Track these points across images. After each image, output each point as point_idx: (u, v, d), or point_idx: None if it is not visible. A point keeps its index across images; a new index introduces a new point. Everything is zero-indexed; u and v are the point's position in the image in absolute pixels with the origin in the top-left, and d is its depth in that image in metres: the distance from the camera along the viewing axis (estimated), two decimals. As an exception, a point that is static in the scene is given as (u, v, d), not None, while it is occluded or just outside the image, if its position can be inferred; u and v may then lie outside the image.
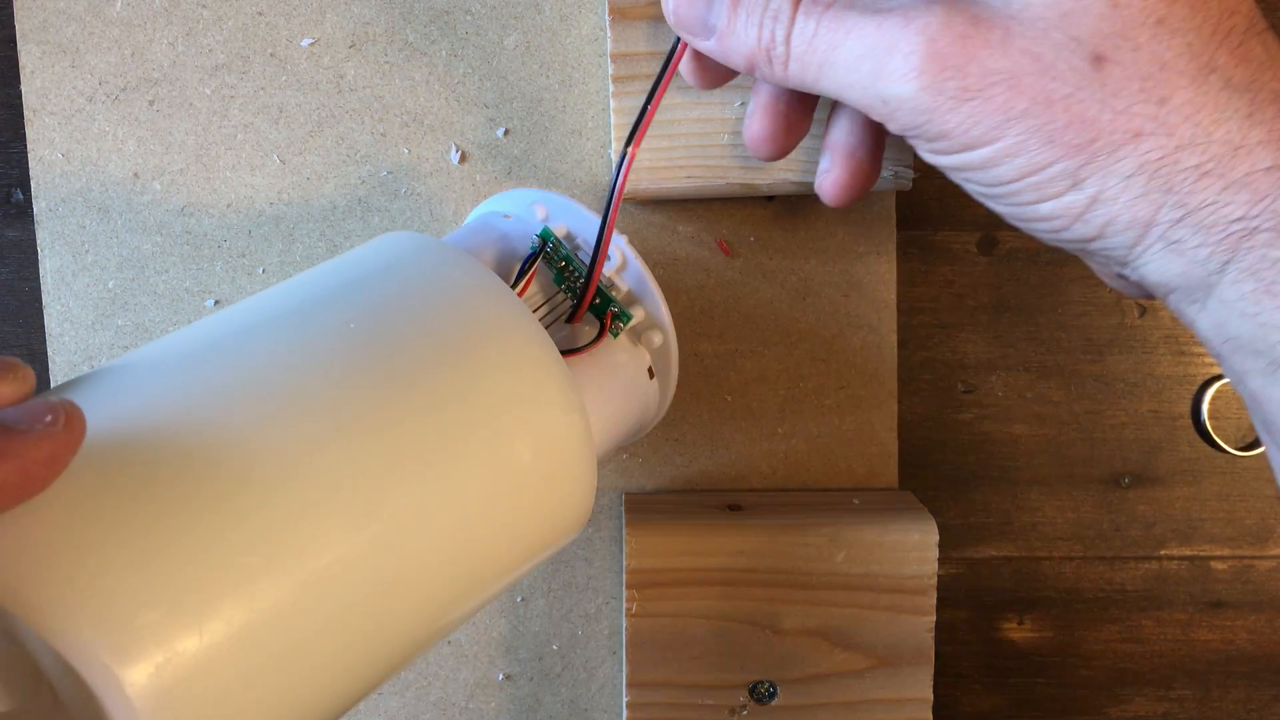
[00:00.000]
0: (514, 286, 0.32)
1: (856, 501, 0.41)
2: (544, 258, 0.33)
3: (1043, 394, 0.43)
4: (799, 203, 0.41)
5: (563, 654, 0.43)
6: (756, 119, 0.33)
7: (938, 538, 0.39)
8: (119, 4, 0.41)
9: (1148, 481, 0.44)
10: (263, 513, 0.22)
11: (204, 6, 0.41)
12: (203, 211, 0.41)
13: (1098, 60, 0.26)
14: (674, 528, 0.39)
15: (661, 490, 0.43)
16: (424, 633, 0.26)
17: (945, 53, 0.26)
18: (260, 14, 0.41)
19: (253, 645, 0.22)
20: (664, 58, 0.32)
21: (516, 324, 0.28)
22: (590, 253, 0.33)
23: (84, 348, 0.42)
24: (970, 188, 0.29)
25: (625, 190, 0.38)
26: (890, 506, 0.40)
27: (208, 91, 0.41)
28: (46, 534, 0.20)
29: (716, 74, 0.33)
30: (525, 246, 0.34)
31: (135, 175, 0.41)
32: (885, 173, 0.37)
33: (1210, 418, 0.43)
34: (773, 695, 0.40)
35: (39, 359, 0.42)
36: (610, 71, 0.37)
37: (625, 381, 0.34)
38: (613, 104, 0.37)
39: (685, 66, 0.33)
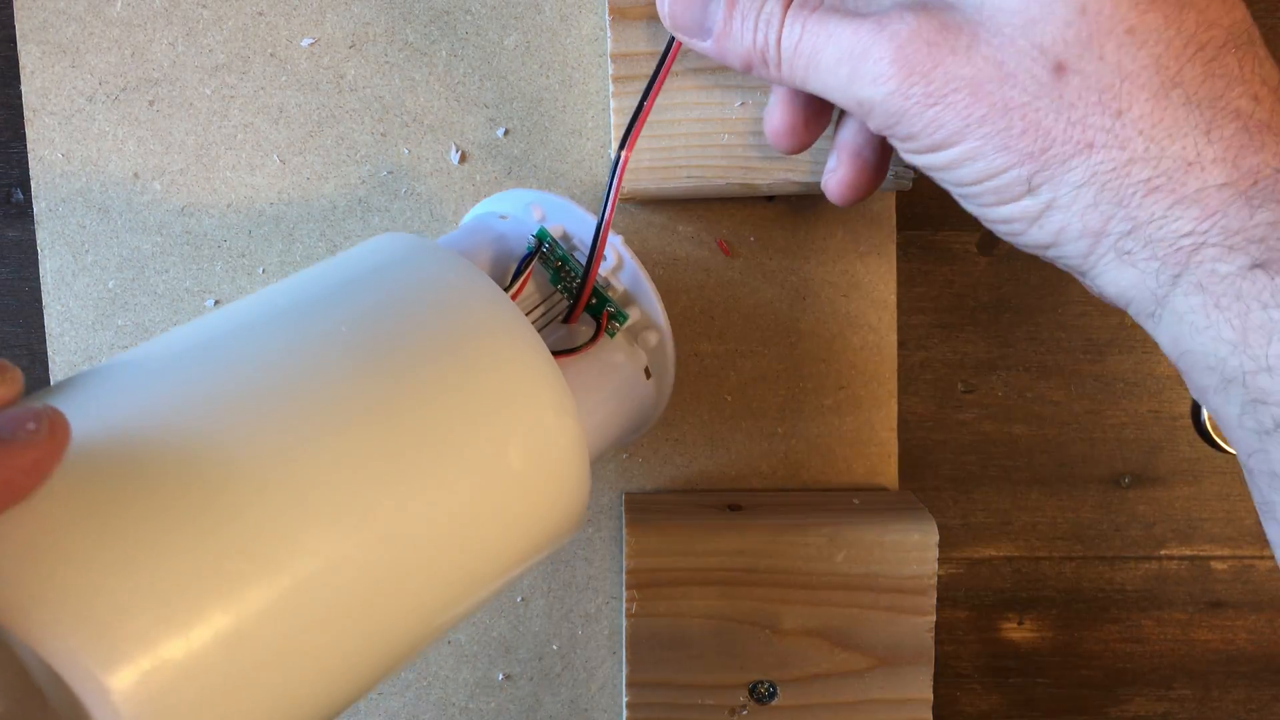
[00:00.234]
0: (510, 287, 0.32)
1: (856, 501, 0.41)
2: (540, 258, 0.33)
3: (1043, 394, 0.43)
4: (799, 203, 0.41)
5: (563, 654, 0.43)
6: (777, 112, 0.33)
7: (938, 538, 0.39)
8: (119, 4, 0.41)
9: (1148, 481, 0.44)
10: (250, 517, 0.22)
11: (204, 6, 0.41)
12: (203, 211, 0.41)
13: (1058, 69, 0.26)
14: (674, 528, 0.39)
15: (661, 490, 0.43)
16: (414, 636, 0.26)
17: (913, 59, 0.27)
18: (260, 14, 0.41)
19: (240, 650, 0.22)
20: (659, 57, 0.32)
21: (508, 327, 0.28)
22: (586, 253, 0.33)
23: (84, 348, 0.42)
24: (945, 186, 0.30)
25: (625, 190, 0.38)
26: (890, 506, 0.40)
27: (208, 91, 0.41)
28: (31, 540, 0.20)
29: (797, 141, 0.34)
30: (522, 247, 0.34)
31: (135, 175, 0.41)
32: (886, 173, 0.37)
33: (1210, 418, 0.43)
34: (773, 695, 0.40)
35: (39, 359, 0.42)
36: (610, 71, 0.37)
37: (621, 382, 0.34)
38: (613, 104, 0.37)
39: (771, 130, 0.33)
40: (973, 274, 0.43)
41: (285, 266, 0.42)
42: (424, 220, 0.42)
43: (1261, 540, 0.44)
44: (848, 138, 0.33)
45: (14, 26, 0.41)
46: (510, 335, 0.28)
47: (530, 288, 0.33)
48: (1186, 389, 0.43)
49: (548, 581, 0.43)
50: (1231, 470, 0.44)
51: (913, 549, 0.39)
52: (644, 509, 0.41)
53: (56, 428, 0.21)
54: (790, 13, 0.29)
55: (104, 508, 0.21)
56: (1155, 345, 0.43)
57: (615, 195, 0.32)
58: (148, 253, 0.42)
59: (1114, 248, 0.27)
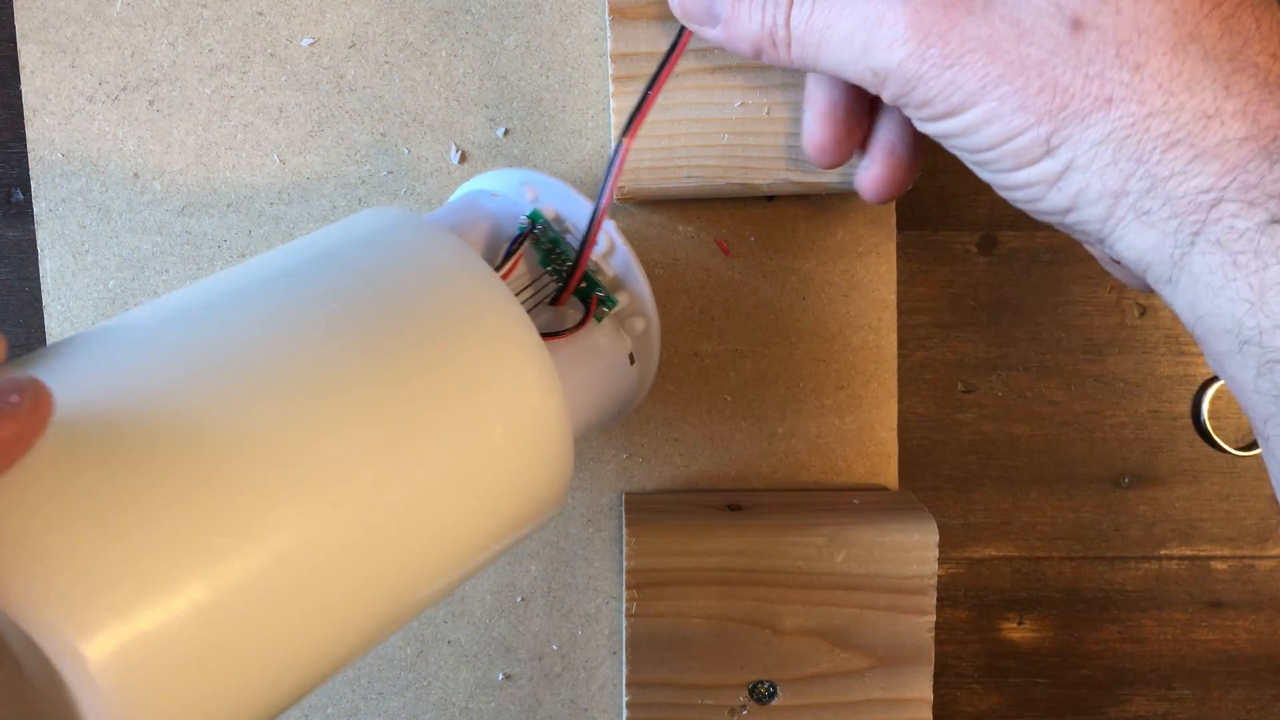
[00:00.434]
0: (500, 267, 0.32)
1: (856, 501, 0.41)
2: (532, 239, 0.33)
3: (1043, 394, 0.43)
4: (799, 203, 0.41)
5: (563, 654, 0.43)
6: (816, 129, 0.33)
7: (938, 538, 0.39)
8: (119, 4, 0.41)
9: (1148, 481, 0.44)
10: (230, 488, 0.22)
11: (204, 6, 0.41)
12: (203, 211, 0.41)
13: (1076, 25, 0.26)
14: (674, 528, 0.39)
15: (661, 490, 0.43)
16: (394, 610, 0.26)
17: (928, 21, 0.27)
18: (260, 14, 0.41)
19: (218, 621, 0.21)
20: (665, 50, 0.32)
21: (498, 307, 0.28)
22: (578, 236, 0.33)
23: (84, 348, 0.42)
24: (960, 155, 0.29)
25: (626, 191, 0.38)
26: (890, 506, 0.40)
27: (208, 91, 0.41)
28: (8, 509, 0.20)
29: (837, 156, 0.34)
30: (512, 226, 0.33)
31: (135, 175, 0.41)
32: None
33: (1210, 418, 0.43)
34: (773, 695, 0.40)
35: (39, 359, 0.42)
36: (610, 71, 0.37)
37: (605, 366, 0.34)
38: (613, 104, 0.37)
39: (811, 147, 0.33)
40: (973, 274, 0.43)
41: (285, 266, 0.42)
42: (424, 220, 0.42)
43: (1262, 540, 0.44)
44: (881, 134, 0.33)
45: (14, 26, 0.41)
46: (499, 315, 0.28)
47: (520, 268, 0.33)
48: (1186, 389, 0.43)
49: (548, 581, 0.43)
50: (1231, 470, 0.44)
51: (913, 549, 0.39)
52: (644, 509, 0.41)
53: (40, 400, 0.20)
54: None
55: (82, 478, 0.21)
56: (1155, 345, 0.43)
57: (615, 181, 0.32)
58: (148, 253, 0.42)
59: (1133, 208, 0.27)
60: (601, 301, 0.33)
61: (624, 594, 0.39)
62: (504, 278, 0.32)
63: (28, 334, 0.43)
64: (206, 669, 0.21)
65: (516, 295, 0.31)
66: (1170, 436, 0.43)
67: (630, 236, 0.41)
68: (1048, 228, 0.43)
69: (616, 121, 0.38)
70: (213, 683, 0.22)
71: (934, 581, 0.39)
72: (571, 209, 0.34)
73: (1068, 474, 0.44)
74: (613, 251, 0.34)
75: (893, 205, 0.42)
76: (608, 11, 0.37)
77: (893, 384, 0.42)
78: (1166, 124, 0.26)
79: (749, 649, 0.39)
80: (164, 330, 0.25)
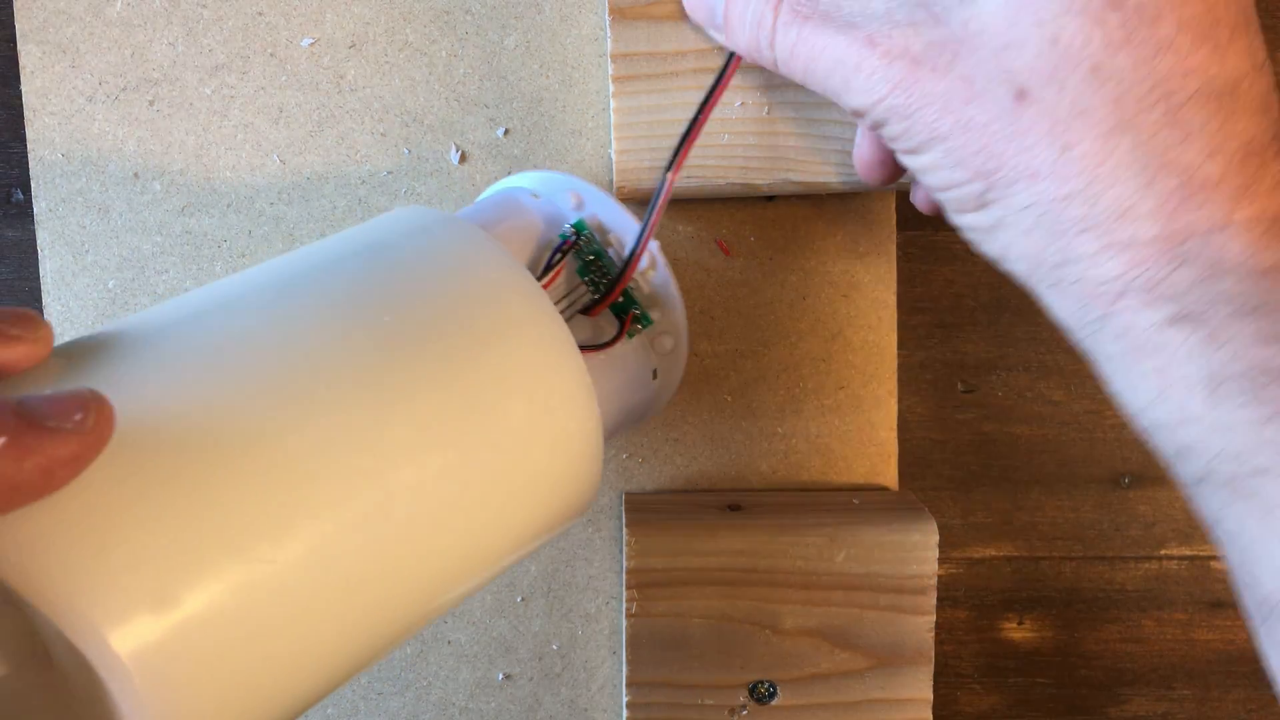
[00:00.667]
0: (542, 276, 0.32)
1: (856, 501, 0.41)
2: (574, 249, 0.33)
3: (1043, 394, 0.43)
4: (799, 203, 0.41)
5: (563, 654, 0.43)
6: (865, 146, 0.34)
7: (938, 538, 0.39)
8: (119, 4, 0.41)
9: (1148, 481, 0.44)
10: (264, 480, 0.22)
11: (204, 6, 0.41)
12: (203, 211, 0.41)
13: (1020, 95, 0.27)
14: (674, 528, 0.39)
15: (661, 490, 0.43)
16: (426, 606, 0.26)
17: (896, 75, 0.28)
18: (260, 14, 0.41)
19: (249, 613, 0.22)
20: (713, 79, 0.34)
21: (541, 321, 0.28)
22: (620, 250, 0.33)
23: (84, 348, 0.42)
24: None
25: (626, 191, 0.38)
26: (890, 506, 0.40)
27: (208, 91, 0.41)
28: (45, 502, 0.20)
29: (883, 174, 0.35)
30: (552, 231, 0.33)
31: (135, 175, 0.41)
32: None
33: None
34: (773, 695, 0.40)
35: (39, 359, 0.42)
36: (610, 71, 0.37)
37: (628, 379, 0.34)
38: (613, 104, 0.37)
39: (860, 164, 0.35)
40: (973, 274, 0.43)
41: (285, 266, 0.42)
42: (424, 220, 0.42)
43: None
44: None
45: (14, 26, 0.41)
46: (542, 331, 0.28)
47: (558, 277, 0.33)
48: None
49: (548, 581, 0.43)
50: (1231, 470, 0.44)
51: (913, 549, 0.39)
52: (644, 509, 0.41)
53: (102, 419, 0.20)
54: (785, 19, 0.30)
55: (118, 470, 0.21)
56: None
57: (662, 205, 0.33)
58: (148, 253, 0.42)
59: (1049, 276, 0.28)
60: (637, 319, 0.34)
61: (624, 594, 0.39)
62: (544, 287, 0.32)
63: (28, 334, 0.43)
64: (237, 656, 0.22)
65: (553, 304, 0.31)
66: (1170, 436, 0.43)
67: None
68: (1048, 228, 0.43)
69: (617, 121, 0.38)
70: (243, 671, 0.22)
71: (934, 581, 0.39)
72: (616, 222, 0.34)
73: (1068, 474, 0.44)
74: (653, 270, 0.34)
75: (892, 205, 0.42)
76: (608, 11, 0.37)
77: (893, 384, 0.42)
78: (1082, 209, 0.27)
79: (749, 649, 0.39)
80: (205, 330, 0.25)
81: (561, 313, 0.32)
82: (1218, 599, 0.44)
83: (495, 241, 0.29)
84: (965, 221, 0.30)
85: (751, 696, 0.40)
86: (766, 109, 0.37)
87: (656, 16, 0.37)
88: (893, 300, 0.42)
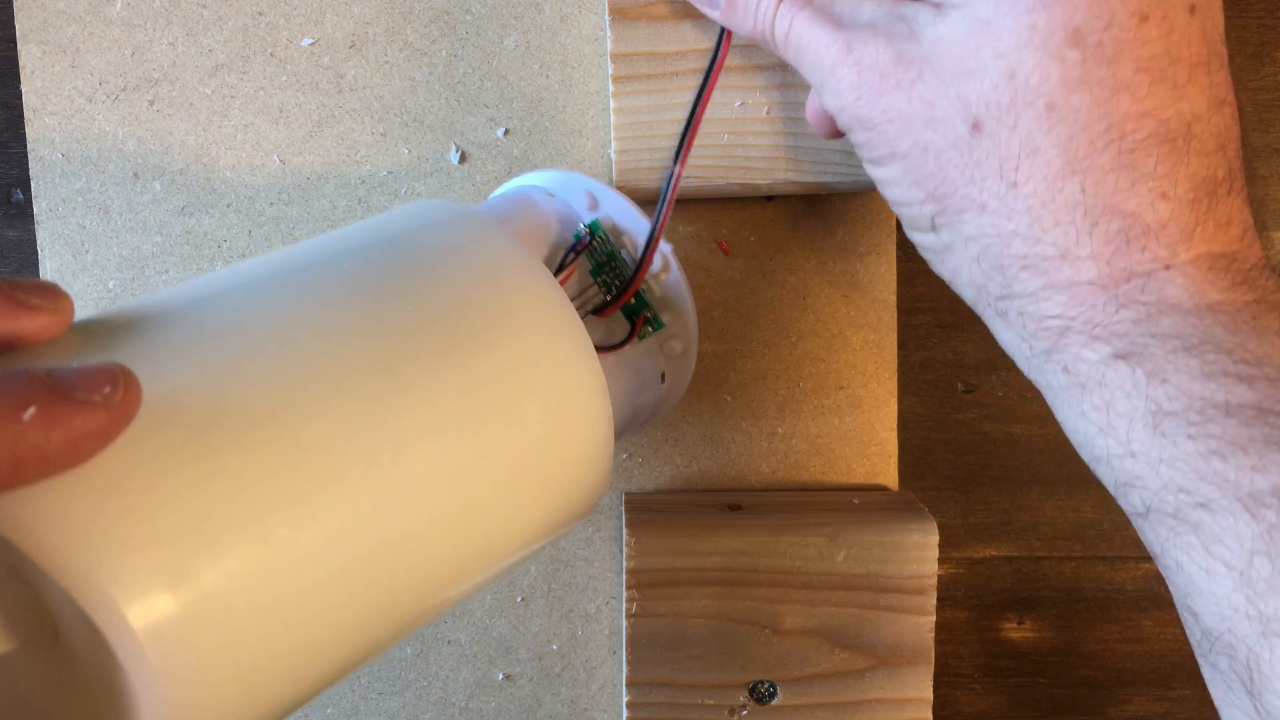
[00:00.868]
0: (555, 275, 0.32)
1: (856, 501, 0.41)
2: (588, 250, 0.33)
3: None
4: (799, 203, 0.41)
5: (563, 654, 0.43)
6: (816, 99, 0.34)
7: (938, 538, 0.39)
8: (119, 4, 0.41)
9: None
10: (284, 463, 0.22)
11: (204, 6, 0.41)
12: (203, 211, 0.41)
13: (975, 126, 0.27)
14: (674, 528, 0.39)
15: (661, 490, 0.43)
16: (437, 596, 0.26)
17: (864, 85, 0.28)
18: (260, 14, 0.41)
19: (265, 594, 0.22)
20: (708, 57, 0.34)
21: (559, 318, 0.28)
22: (633, 252, 0.33)
23: (84, 348, 0.42)
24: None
25: (625, 191, 0.38)
26: (890, 506, 0.40)
27: (208, 91, 0.41)
28: (66, 475, 0.20)
29: (832, 127, 0.35)
30: (566, 230, 0.34)
31: (135, 175, 0.41)
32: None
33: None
34: (773, 695, 0.40)
35: (39, 359, 0.42)
36: (610, 71, 0.37)
37: (637, 381, 0.34)
38: (613, 104, 0.37)
39: (811, 114, 0.34)
40: (973, 274, 0.43)
41: (285, 266, 0.42)
42: (424, 220, 0.42)
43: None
44: None
45: (14, 26, 0.41)
46: (560, 329, 0.28)
47: (571, 276, 0.33)
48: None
49: (548, 581, 0.43)
50: (1231, 470, 0.43)
51: (913, 549, 0.39)
52: (644, 509, 0.41)
53: (129, 394, 0.20)
54: (791, 10, 0.30)
55: (136, 444, 0.21)
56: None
57: (670, 202, 0.33)
58: (148, 253, 0.42)
59: (993, 306, 0.28)
60: (648, 321, 0.34)
61: (624, 594, 0.39)
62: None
63: (28, 334, 0.43)
64: (250, 635, 0.22)
65: None
66: (1170, 436, 0.43)
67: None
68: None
69: (617, 121, 0.38)
70: (259, 657, 0.22)
71: (934, 581, 0.39)
72: (630, 223, 0.34)
73: (1068, 474, 0.44)
74: (666, 273, 0.34)
75: (893, 205, 0.42)
76: (608, 11, 0.37)
77: (893, 384, 0.42)
78: (1025, 247, 0.27)
79: (749, 649, 0.39)
80: (227, 311, 0.25)
81: None
82: (1218, 599, 0.44)
83: (516, 239, 0.29)
84: (917, 240, 0.30)
85: (751, 696, 0.40)
86: (766, 109, 0.37)
87: (656, 16, 0.37)
88: (893, 300, 0.42)
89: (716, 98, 0.37)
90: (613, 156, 0.38)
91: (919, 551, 0.39)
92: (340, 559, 0.23)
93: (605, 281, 0.33)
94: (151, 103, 0.41)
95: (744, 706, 0.40)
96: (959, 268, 0.29)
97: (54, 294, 0.22)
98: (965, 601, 0.45)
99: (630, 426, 0.36)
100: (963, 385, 0.44)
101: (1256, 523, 0.24)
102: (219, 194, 0.41)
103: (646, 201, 0.41)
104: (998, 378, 0.43)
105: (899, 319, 0.42)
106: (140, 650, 0.20)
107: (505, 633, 0.43)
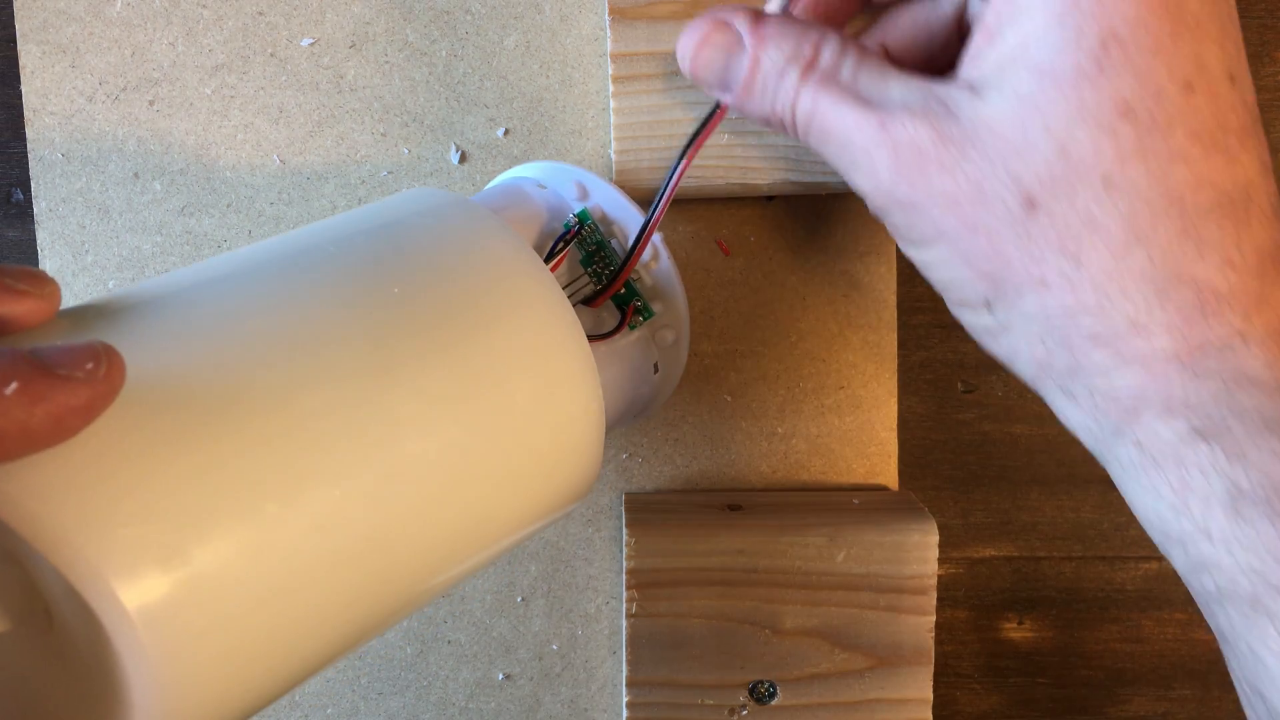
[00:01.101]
0: (546, 262, 0.32)
1: (856, 501, 0.41)
2: (577, 239, 0.33)
3: (1043, 394, 0.43)
4: (799, 203, 0.41)
5: (563, 654, 0.43)
6: None
7: (938, 538, 0.39)
8: (119, 4, 0.41)
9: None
10: (272, 442, 0.23)
11: (204, 6, 0.41)
12: (203, 211, 0.41)
13: (1030, 203, 0.26)
14: (674, 528, 0.39)
15: (661, 490, 0.43)
16: (429, 580, 0.26)
17: (904, 166, 0.27)
18: (260, 14, 0.41)
19: (256, 573, 0.22)
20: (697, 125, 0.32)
21: (550, 303, 0.28)
22: (624, 242, 0.33)
23: (84, 348, 0.42)
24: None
25: (625, 190, 0.38)
26: (890, 506, 0.40)
27: (208, 91, 0.41)
28: (56, 453, 0.20)
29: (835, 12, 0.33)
30: (557, 220, 0.34)
31: (135, 175, 0.41)
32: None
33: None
34: (773, 695, 0.40)
35: (39, 359, 0.42)
36: (610, 71, 0.37)
37: (630, 371, 0.34)
38: (613, 104, 0.38)
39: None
40: (973, 274, 0.43)
41: (285, 266, 0.42)
42: (424, 220, 0.42)
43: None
44: None
45: (14, 26, 0.41)
46: (548, 309, 0.28)
47: (561, 265, 0.33)
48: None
49: (548, 581, 0.43)
50: (1231, 470, 0.43)
51: (913, 549, 0.39)
52: (644, 509, 0.41)
53: (113, 369, 0.20)
54: (806, 84, 0.29)
55: (129, 425, 0.21)
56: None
57: (669, 197, 0.32)
58: (148, 253, 0.42)
59: (1059, 385, 0.27)
60: (638, 310, 0.34)
61: (624, 594, 0.39)
62: None
63: (28, 334, 0.43)
64: (242, 616, 0.22)
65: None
66: (1170, 436, 0.43)
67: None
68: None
69: (617, 121, 0.38)
70: (250, 636, 0.22)
71: (934, 581, 0.39)
72: (620, 213, 0.34)
73: (1068, 474, 0.44)
74: (656, 262, 0.34)
75: (893, 205, 0.42)
76: (608, 11, 0.37)
77: (893, 384, 0.42)
78: (1094, 323, 0.26)
79: (749, 649, 0.39)
80: (216, 295, 0.25)
81: None
82: (1218, 599, 0.44)
83: (503, 222, 0.29)
84: (968, 320, 0.29)
85: (751, 696, 0.40)
86: (766, 109, 0.37)
87: (656, 16, 0.37)
88: (893, 300, 0.42)
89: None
90: (613, 156, 0.38)
91: (919, 551, 0.39)
92: (331, 536, 0.23)
93: (595, 271, 0.33)
94: (151, 103, 0.41)
95: (744, 706, 0.40)
96: (1018, 348, 0.28)
97: (40, 279, 0.23)
98: (965, 601, 0.45)
99: (625, 418, 0.36)
100: (963, 385, 0.44)
101: None
102: (219, 194, 0.41)
103: (649, 201, 0.41)
104: (998, 378, 0.43)
105: (899, 319, 0.42)
106: (129, 623, 0.20)
107: (505, 633, 0.43)
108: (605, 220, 0.34)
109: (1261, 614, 0.24)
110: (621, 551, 0.41)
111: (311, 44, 0.41)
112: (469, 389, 0.26)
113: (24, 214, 0.42)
